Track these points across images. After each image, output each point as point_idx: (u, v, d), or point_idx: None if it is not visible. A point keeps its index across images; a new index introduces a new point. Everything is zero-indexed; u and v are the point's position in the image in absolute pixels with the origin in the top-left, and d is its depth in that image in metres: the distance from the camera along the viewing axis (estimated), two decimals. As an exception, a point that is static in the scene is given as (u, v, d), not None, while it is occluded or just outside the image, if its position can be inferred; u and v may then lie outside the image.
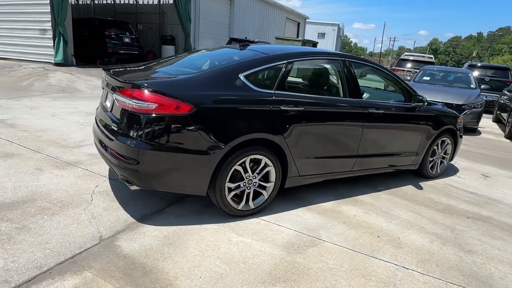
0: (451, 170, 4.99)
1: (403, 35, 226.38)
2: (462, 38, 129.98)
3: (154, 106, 2.48)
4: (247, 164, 2.88)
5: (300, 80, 3.39)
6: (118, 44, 12.63)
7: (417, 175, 4.52)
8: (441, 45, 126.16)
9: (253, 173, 2.95)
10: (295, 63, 3.20)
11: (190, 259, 2.38)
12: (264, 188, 3.07)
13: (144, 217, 2.87)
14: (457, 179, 4.71)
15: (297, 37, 28.17)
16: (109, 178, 3.51)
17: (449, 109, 4.65)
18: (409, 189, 4.13)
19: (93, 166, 3.77)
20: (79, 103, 6.79)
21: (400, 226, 3.17)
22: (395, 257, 2.67)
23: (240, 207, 2.96)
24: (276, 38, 19.87)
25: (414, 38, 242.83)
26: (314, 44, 20.35)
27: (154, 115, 2.50)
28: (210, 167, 2.70)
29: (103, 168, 3.73)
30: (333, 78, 3.50)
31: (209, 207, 3.12)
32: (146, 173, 2.57)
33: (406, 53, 14.94)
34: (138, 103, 2.49)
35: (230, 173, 2.80)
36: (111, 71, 3.04)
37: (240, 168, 2.86)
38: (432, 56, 15.22)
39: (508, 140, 7.79)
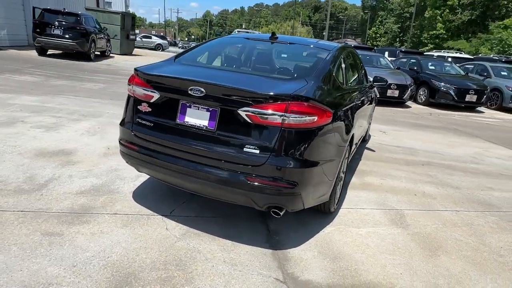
0: (364, 132, 6.35)
1: (178, 6, 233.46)
2: (229, 11, 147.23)
3: (315, 118, 2.21)
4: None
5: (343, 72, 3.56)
6: None
7: (358, 140, 5.57)
8: (214, 17, 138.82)
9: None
10: (342, 56, 3.36)
11: (372, 263, 2.42)
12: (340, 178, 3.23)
13: (273, 244, 2.53)
14: (375, 138, 6.09)
15: (98, 5, 24.79)
16: (162, 215, 2.71)
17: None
18: (369, 152, 5.11)
19: (116, 206, 2.76)
20: None
21: (410, 183, 4.06)
22: (444, 205, 3.52)
23: (336, 202, 3.04)
24: (87, 9, 17.03)
25: (187, 10, 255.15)
26: (134, 17, 18.66)
27: (313, 128, 2.23)
28: (337, 171, 2.67)
29: (131, 205, 2.81)
30: (356, 67, 3.85)
31: (289, 213, 3.02)
32: (305, 193, 2.29)
33: (238, 30, 16.08)
34: (299, 117, 2.15)
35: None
36: (208, 80, 2.31)
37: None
38: (255, 31, 17.14)
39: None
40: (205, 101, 2.28)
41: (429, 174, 4.43)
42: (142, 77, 2.49)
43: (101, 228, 2.45)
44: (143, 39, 31.56)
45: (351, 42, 29.47)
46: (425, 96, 10.72)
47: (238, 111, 2.19)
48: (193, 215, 2.78)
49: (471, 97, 10.04)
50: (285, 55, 3.30)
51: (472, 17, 39.96)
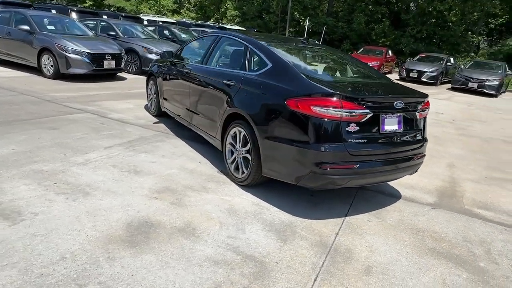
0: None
1: None
2: None
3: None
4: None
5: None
6: None
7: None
8: None
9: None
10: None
11: (440, 178, 4.18)
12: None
13: (394, 196, 3.69)
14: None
15: None
16: (343, 217, 3.14)
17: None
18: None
19: (315, 227, 2.87)
20: None
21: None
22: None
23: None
24: None
25: None
26: None
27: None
28: None
29: (319, 226, 2.96)
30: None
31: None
32: None
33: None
34: (428, 109, 3.42)
35: None
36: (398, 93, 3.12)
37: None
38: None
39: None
40: (398, 111, 3.01)
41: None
42: (356, 100, 2.78)
43: (363, 242, 2.74)
44: None
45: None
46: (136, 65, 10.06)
47: (415, 113, 3.16)
48: (347, 205, 3.34)
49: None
50: (337, 58, 4.09)
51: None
